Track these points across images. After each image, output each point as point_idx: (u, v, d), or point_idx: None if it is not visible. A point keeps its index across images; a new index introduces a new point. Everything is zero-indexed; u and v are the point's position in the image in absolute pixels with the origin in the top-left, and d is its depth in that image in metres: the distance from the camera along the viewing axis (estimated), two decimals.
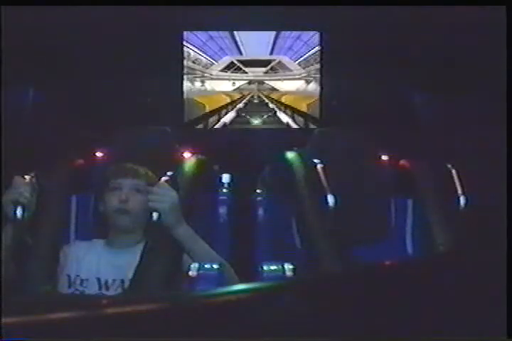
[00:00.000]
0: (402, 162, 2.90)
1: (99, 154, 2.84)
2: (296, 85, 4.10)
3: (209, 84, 4.12)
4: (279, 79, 4.10)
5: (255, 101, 4.13)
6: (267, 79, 4.10)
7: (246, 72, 4.11)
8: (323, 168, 2.65)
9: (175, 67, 3.74)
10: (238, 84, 4.10)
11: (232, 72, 4.12)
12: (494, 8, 2.66)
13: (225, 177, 2.94)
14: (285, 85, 4.12)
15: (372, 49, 3.56)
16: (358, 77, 3.63)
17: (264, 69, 4.09)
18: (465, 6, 2.85)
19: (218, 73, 4.12)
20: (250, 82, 4.11)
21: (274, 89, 4.12)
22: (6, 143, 2.87)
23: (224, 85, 4.12)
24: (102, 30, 3.48)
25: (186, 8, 3.26)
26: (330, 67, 3.75)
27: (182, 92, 3.80)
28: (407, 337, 0.72)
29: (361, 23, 3.44)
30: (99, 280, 2.23)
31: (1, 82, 3.12)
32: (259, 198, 2.86)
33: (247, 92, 4.12)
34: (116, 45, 3.56)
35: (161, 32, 3.54)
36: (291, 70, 4.12)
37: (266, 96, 4.10)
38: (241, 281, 2.07)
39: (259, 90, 4.11)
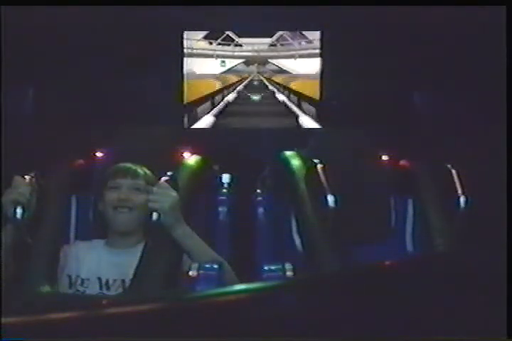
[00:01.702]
0: (402, 162, 2.90)
1: (99, 154, 2.84)
2: (315, 65, 2.96)
3: (185, 63, 2.91)
4: (290, 56, 2.89)
5: (254, 87, 2.92)
6: (272, 57, 2.85)
7: (240, 45, 2.85)
8: (323, 168, 2.64)
9: (175, 67, 3.74)
10: (230, 63, 2.87)
11: (220, 45, 2.84)
12: (494, 8, 2.66)
13: (225, 177, 2.94)
14: (299, 65, 2.90)
15: (372, 49, 3.56)
16: (358, 77, 3.63)
17: (268, 40, 2.86)
18: (465, 6, 2.85)
19: (196, 45, 2.84)
20: (248, 61, 2.87)
21: (282, 72, 2.91)
22: (6, 143, 2.87)
23: (207, 65, 2.86)
24: (102, 30, 3.48)
25: (186, 8, 3.26)
26: (330, 66, 3.75)
27: (182, 92, 3.79)
28: (407, 336, 0.73)
29: (361, 23, 3.44)
30: (99, 280, 2.23)
31: (1, 82, 3.12)
32: (259, 198, 2.86)
33: (243, 76, 2.91)
34: (116, 45, 3.56)
35: (160, 32, 3.54)
36: (310, 42, 2.91)
37: (269, 81, 2.93)
38: (241, 281, 2.07)
39: (260, 73, 2.91)
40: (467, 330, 0.73)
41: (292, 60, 2.87)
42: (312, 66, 2.94)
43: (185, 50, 2.92)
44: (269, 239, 2.64)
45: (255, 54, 2.84)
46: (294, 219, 2.66)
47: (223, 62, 2.82)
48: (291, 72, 2.91)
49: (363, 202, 2.73)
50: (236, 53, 2.84)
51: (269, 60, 2.86)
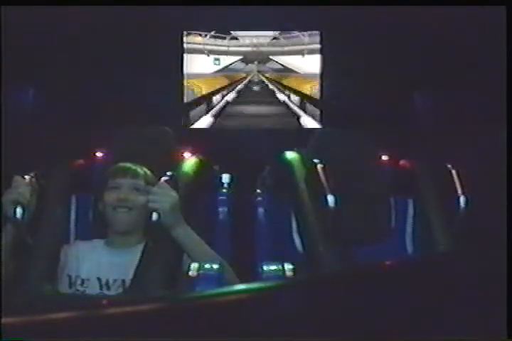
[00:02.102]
0: (402, 162, 2.90)
1: (99, 154, 2.84)
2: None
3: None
4: (298, 53, 2.46)
5: (254, 90, 2.45)
6: (274, 53, 2.38)
7: (236, 39, 2.46)
8: (323, 168, 2.64)
9: (175, 67, 3.74)
10: (224, 61, 2.45)
11: (213, 38, 2.45)
12: (494, 8, 2.66)
13: (225, 177, 2.94)
14: (307, 63, 2.47)
15: (372, 49, 3.56)
16: (358, 77, 3.63)
17: (269, 33, 2.47)
18: (465, 6, 2.85)
19: (185, 39, 2.47)
20: (246, 58, 2.41)
21: (287, 71, 2.45)
22: (6, 143, 2.87)
23: (199, 63, 2.45)
24: (102, 30, 3.48)
25: (186, 8, 3.26)
26: (330, 66, 3.75)
27: (182, 93, 3.80)
28: (407, 337, 0.73)
29: (361, 23, 3.44)
30: (99, 280, 2.23)
31: (1, 82, 3.13)
32: (259, 198, 2.86)
33: (242, 76, 2.45)
34: (116, 45, 3.56)
35: (160, 32, 3.54)
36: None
37: (270, 80, 2.44)
38: (241, 281, 2.07)
39: (260, 72, 2.47)
40: (467, 330, 0.73)
41: (299, 56, 2.39)
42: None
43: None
44: (269, 239, 2.64)
45: (254, 49, 2.38)
46: (294, 219, 2.66)
47: (217, 59, 2.36)
48: (297, 71, 2.44)
49: (363, 202, 2.73)
50: (231, 48, 2.38)
51: (271, 57, 2.37)
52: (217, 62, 2.39)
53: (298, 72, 2.45)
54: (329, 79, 3.78)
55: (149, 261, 2.16)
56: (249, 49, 2.37)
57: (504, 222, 2.00)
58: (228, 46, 2.37)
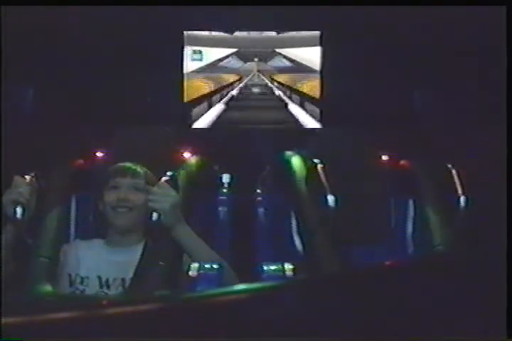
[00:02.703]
0: (402, 162, 2.90)
1: (99, 154, 2.84)
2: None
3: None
4: (315, 42, 1.88)
5: (255, 93, 1.90)
6: (283, 43, 1.82)
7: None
8: (323, 168, 2.65)
9: (175, 67, 3.74)
10: (209, 55, 1.82)
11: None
12: (494, 8, 2.67)
13: (225, 177, 2.94)
14: (314, 57, 1.89)
15: (372, 49, 3.56)
16: (359, 77, 3.63)
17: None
18: (465, 6, 2.85)
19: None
20: (242, 52, 1.84)
21: (300, 70, 1.90)
22: (6, 143, 2.87)
23: (191, 62, 1.83)
24: (102, 30, 3.48)
25: (186, 8, 3.26)
26: (330, 67, 3.75)
27: (183, 92, 3.79)
28: (407, 337, 0.73)
29: (361, 23, 3.44)
30: (99, 278, 2.23)
31: (1, 82, 3.13)
32: (259, 198, 2.86)
33: (238, 77, 1.91)
34: (116, 45, 3.56)
35: (161, 32, 3.53)
36: None
37: (277, 84, 1.90)
38: (241, 281, 2.07)
39: (262, 72, 1.95)
40: (467, 330, 0.73)
41: (319, 48, 1.74)
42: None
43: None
44: (269, 239, 2.64)
45: (256, 36, 1.63)
46: (294, 219, 2.66)
47: (198, 52, 1.67)
48: (315, 69, 1.80)
49: (363, 202, 2.73)
50: (217, 35, 1.68)
51: (278, 50, 1.75)
52: (197, 56, 1.74)
53: (316, 71, 1.84)
54: (329, 79, 3.78)
55: (149, 261, 2.16)
56: (245, 35, 1.70)
57: (504, 222, 2.00)
58: (216, 36, 1.65)
